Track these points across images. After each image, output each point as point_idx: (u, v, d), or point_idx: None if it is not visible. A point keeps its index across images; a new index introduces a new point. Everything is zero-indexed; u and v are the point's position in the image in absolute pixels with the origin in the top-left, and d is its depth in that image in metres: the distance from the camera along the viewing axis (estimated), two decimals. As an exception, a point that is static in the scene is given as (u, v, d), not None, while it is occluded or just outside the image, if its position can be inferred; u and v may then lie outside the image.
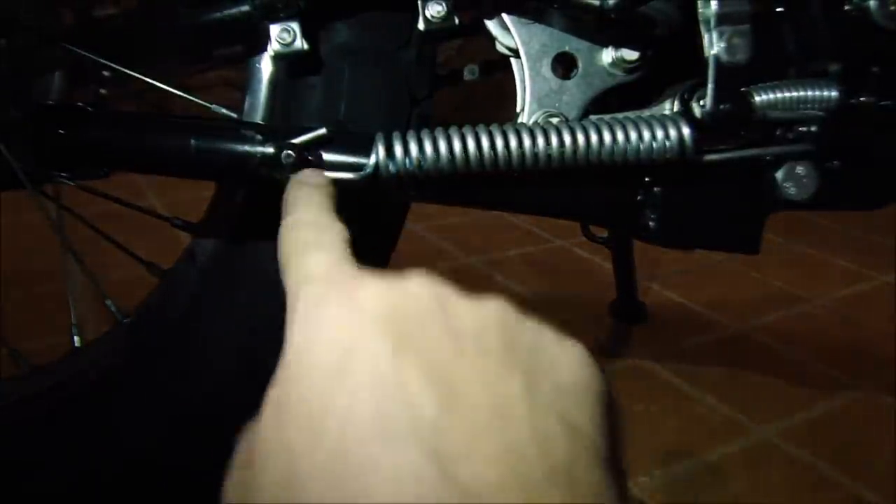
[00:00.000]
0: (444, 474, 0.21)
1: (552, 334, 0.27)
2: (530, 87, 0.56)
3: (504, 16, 0.55)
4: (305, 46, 0.52)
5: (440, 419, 0.23)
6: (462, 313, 0.27)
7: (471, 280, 1.34)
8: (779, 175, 0.59)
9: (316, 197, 0.38)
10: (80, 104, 0.52)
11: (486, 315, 0.27)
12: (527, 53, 0.56)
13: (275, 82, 0.59)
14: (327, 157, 0.47)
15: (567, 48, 0.56)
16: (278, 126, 0.57)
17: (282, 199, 0.39)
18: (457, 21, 0.55)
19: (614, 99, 0.59)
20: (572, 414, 0.25)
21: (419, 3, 0.54)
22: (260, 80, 0.59)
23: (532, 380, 0.25)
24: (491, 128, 0.48)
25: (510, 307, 0.28)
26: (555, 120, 0.56)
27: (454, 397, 0.23)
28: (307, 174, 0.43)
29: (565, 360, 0.27)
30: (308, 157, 0.46)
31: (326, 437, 0.23)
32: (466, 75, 0.86)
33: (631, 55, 0.56)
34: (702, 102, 0.55)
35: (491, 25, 0.56)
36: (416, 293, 0.27)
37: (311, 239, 0.32)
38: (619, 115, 0.53)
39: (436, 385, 0.24)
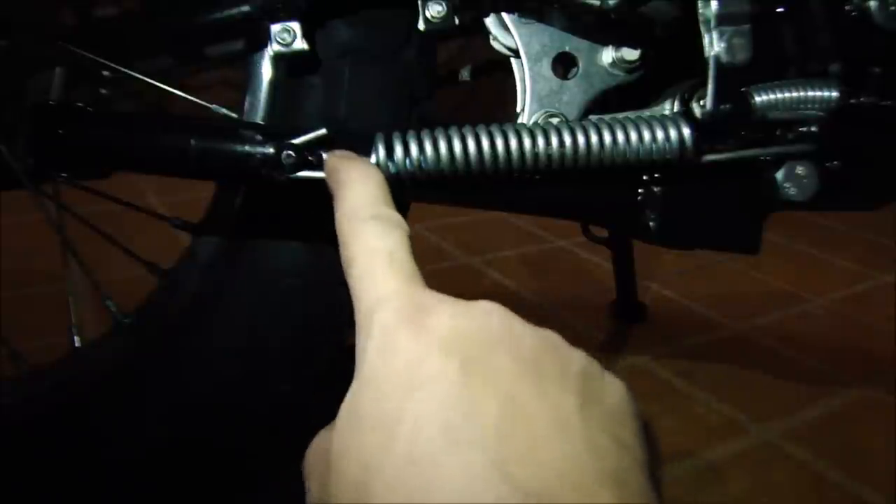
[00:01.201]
0: (504, 475, 0.24)
1: (598, 366, 0.30)
2: (530, 86, 0.56)
3: (504, 16, 0.55)
4: (306, 46, 0.52)
5: (502, 427, 0.25)
6: (521, 339, 0.29)
7: (471, 280, 1.34)
8: (779, 175, 0.59)
9: (367, 173, 0.37)
10: (79, 104, 0.52)
11: (543, 342, 0.29)
12: (527, 53, 0.56)
13: (275, 82, 0.59)
14: (327, 157, 0.47)
15: (567, 48, 0.56)
16: (278, 126, 0.57)
17: (328, 176, 0.39)
18: (457, 21, 0.55)
19: (614, 99, 0.59)
20: (620, 432, 0.28)
21: (419, 3, 0.54)
22: (260, 80, 0.59)
23: (584, 401, 0.28)
24: (491, 128, 0.48)
25: (561, 338, 0.30)
26: (555, 120, 0.56)
27: (515, 410, 0.26)
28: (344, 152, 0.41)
29: (610, 388, 0.29)
30: (308, 157, 0.46)
31: (397, 441, 0.25)
32: (466, 75, 0.86)
33: (631, 55, 0.56)
34: (702, 102, 0.55)
35: (491, 25, 0.56)
36: (482, 319, 0.29)
37: (376, 244, 0.33)
38: (620, 116, 0.53)
39: (499, 399, 0.26)
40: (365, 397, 0.28)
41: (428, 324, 0.29)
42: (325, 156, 0.42)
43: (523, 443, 0.25)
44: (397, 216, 0.35)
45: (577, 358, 0.30)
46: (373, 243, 0.33)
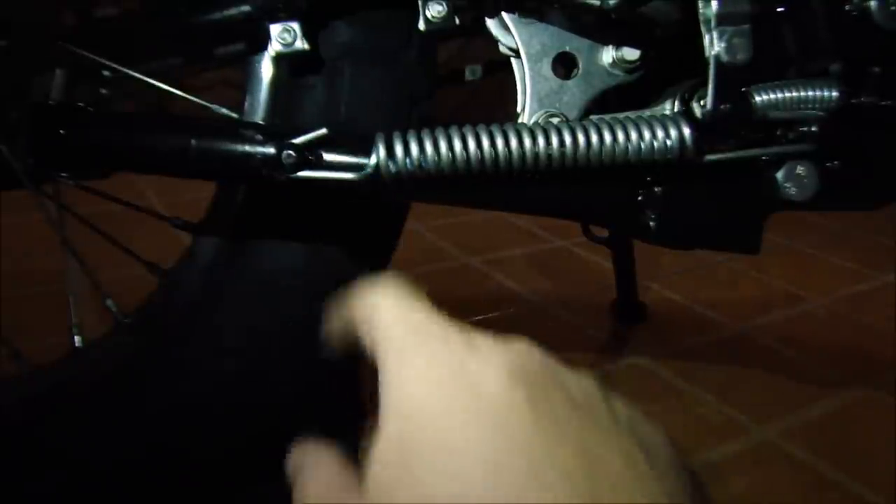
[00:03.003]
0: None
1: (637, 411, 0.30)
2: (531, 86, 0.56)
3: (504, 15, 0.55)
4: (306, 46, 0.52)
5: (583, 472, 0.25)
6: (567, 382, 0.28)
7: (471, 280, 1.34)
8: (779, 175, 0.59)
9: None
10: (80, 104, 0.52)
11: (587, 387, 0.29)
12: (527, 53, 0.56)
13: (275, 82, 0.59)
14: (327, 157, 0.47)
15: (567, 48, 0.56)
16: (278, 126, 0.57)
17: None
18: (457, 21, 0.55)
19: (614, 99, 0.59)
20: (684, 479, 0.28)
21: (420, 3, 0.54)
22: (260, 80, 0.59)
23: (643, 449, 0.27)
24: (491, 128, 0.48)
25: (600, 382, 0.30)
26: (555, 120, 0.56)
27: (589, 455, 0.25)
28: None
29: (659, 438, 0.29)
30: (308, 157, 0.46)
31: (473, 479, 0.24)
32: (467, 75, 0.86)
33: (631, 55, 0.56)
34: (702, 102, 0.55)
35: (491, 25, 0.56)
36: (527, 356, 0.28)
37: (379, 294, 0.31)
38: (620, 115, 0.53)
39: (572, 443, 0.25)
40: (415, 427, 0.26)
41: (479, 352, 0.28)
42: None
43: (606, 489, 0.25)
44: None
45: (621, 405, 0.29)
46: (375, 296, 0.31)
